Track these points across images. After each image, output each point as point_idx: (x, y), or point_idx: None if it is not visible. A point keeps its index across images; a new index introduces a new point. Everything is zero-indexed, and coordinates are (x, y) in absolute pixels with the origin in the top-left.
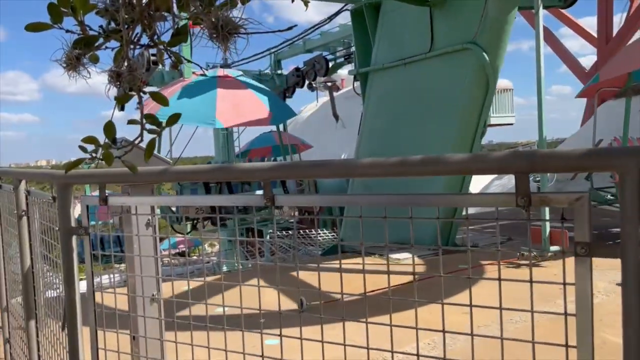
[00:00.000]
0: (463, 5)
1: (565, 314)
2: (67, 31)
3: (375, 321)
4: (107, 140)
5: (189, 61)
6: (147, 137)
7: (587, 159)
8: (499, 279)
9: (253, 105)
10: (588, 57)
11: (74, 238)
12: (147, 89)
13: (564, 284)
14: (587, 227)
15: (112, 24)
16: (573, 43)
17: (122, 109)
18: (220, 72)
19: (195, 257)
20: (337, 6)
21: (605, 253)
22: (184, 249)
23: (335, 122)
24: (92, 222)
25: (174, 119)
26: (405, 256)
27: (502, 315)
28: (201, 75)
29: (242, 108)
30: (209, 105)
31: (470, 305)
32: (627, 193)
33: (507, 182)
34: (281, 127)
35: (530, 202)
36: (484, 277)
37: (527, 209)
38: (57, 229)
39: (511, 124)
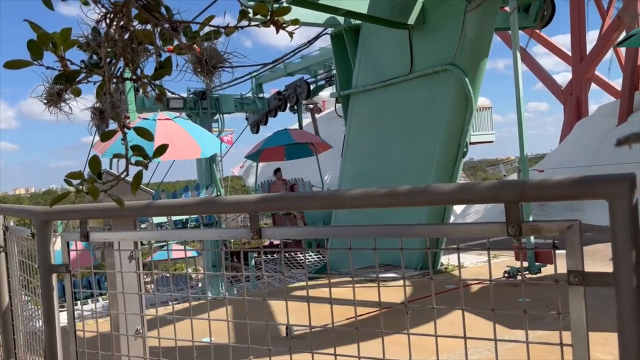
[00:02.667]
0: (441, 27)
1: (561, 344)
2: (48, 67)
3: (366, 346)
4: (91, 174)
5: (173, 93)
6: (132, 169)
7: (576, 187)
8: (493, 310)
9: (184, 141)
10: (562, 75)
11: (54, 276)
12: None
13: (559, 313)
14: (579, 255)
15: (94, 57)
16: (547, 61)
17: (103, 140)
18: (160, 115)
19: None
20: (317, 30)
21: (599, 281)
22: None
23: None
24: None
25: (160, 150)
26: (391, 276)
27: (497, 346)
28: (144, 118)
29: (176, 144)
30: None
31: (465, 338)
32: (618, 221)
33: None
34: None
35: (521, 231)
36: (481, 309)
37: (518, 238)
38: (36, 266)
39: (491, 142)
